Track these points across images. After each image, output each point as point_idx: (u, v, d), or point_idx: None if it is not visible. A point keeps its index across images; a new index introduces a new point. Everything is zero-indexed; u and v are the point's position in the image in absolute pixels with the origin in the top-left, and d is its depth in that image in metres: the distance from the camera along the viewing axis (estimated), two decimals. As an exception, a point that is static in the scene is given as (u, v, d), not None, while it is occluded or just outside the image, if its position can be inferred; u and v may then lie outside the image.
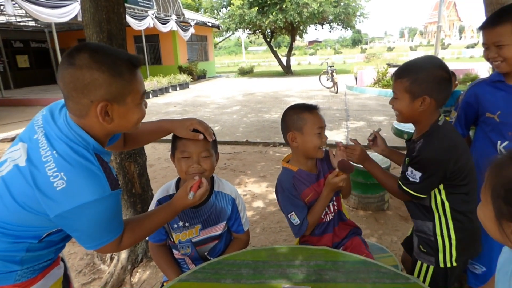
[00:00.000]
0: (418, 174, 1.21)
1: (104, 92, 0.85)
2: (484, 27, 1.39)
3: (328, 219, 1.52)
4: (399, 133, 3.13)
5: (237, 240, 1.51)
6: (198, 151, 1.24)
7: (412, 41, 53.75)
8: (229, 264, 1.22)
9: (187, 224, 1.38)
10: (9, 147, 0.95)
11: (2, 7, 10.19)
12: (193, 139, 1.22)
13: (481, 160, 1.49)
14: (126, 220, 1.02)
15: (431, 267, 1.32)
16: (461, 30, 47.59)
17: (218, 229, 1.43)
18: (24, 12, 10.10)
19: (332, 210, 1.53)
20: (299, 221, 1.40)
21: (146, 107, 0.99)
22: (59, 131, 0.87)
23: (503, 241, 0.69)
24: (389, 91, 9.92)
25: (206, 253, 1.46)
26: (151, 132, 1.29)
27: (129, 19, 12.00)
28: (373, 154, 2.56)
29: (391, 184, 1.37)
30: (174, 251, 1.47)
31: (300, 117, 1.42)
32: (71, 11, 9.33)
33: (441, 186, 1.24)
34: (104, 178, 0.87)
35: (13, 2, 8.39)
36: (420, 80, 1.18)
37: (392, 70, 10.86)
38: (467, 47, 35.11)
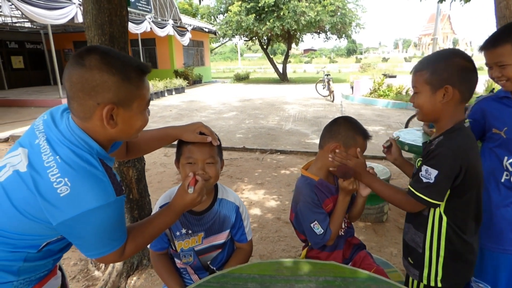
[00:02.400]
0: (433, 173, 1.12)
1: (112, 95, 0.83)
2: (484, 48, 1.37)
3: (340, 235, 1.48)
4: (399, 144, 3.10)
5: (240, 250, 1.47)
6: (203, 157, 1.21)
7: (406, 52, 54.58)
8: (235, 278, 1.17)
9: (190, 232, 1.34)
10: (7, 152, 0.91)
11: (-2, 7, 10.08)
12: (198, 145, 1.20)
13: (487, 176, 1.47)
14: (128, 226, 0.98)
15: (421, 284, 1.25)
16: (455, 42, 48.43)
17: (221, 238, 1.40)
18: (20, 13, 10.01)
19: (343, 226, 1.50)
20: (322, 230, 1.35)
21: (149, 115, 1.00)
22: (61, 136, 0.84)
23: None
24: (385, 101, 10.01)
25: (208, 262, 1.42)
26: (156, 139, 1.26)
27: (126, 22, 11.93)
28: (373, 165, 2.53)
29: (395, 194, 1.28)
30: (176, 260, 1.43)
31: (354, 137, 1.37)
32: (67, 13, 9.26)
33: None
34: (109, 183, 0.84)
35: (10, 3, 8.29)
36: (441, 69, 1.12)
37: (388, 80, 10.99)
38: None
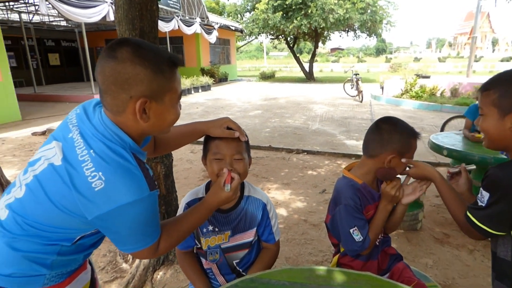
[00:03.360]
0: (486, 196, 1.00)
1: (145, 88, 0.82)
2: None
3: (375, 244, 1.39)
4: (436, 148, 2.91)
5: (267, 250, 1.41)
6: (231, 153, 1.17)
7: (440, 52, 52.38)
8: (264, 284, 1.11)
9: (216, 229, 1.31)
10: (42, 145, 0.91)
11: (37, 7, 10.59)
12: (226, 140, 1.17)
13: None
14: (162, 222, 0.98)
15: None
16: (494, 42, 45.93)
17: (248, 236, 1.35)
18: (57, 12, 10.45)
19: (380, 235, 1.42)
20: (362, 237, 1.27)
21: (180, 109, 0.96)
22: (94, 130, 0.84)
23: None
24: (418, 102, 9.61)
25: (235, 262, 1.37)
26: (184, 135, 1.23)
27: (156, 20, 12.19)
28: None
29: (457, 209, 1.14)
30: (202, 260, 1.40)
31: (409, 142, 1.27)
32: (100, 12, 9.56)
33: None
34: (143, 177, 0.83)
35: (47, 2, 8.66)
36: None
37: (421, 81, 10.54)
38: (502, 61, 33.77)
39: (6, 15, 13.07)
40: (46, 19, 14.45)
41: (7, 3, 11.05)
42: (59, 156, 0.82)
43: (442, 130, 5.34)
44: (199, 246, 1.34)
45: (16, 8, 11.79)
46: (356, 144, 5.66)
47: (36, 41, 15.41)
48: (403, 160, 1.27)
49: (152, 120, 0.87)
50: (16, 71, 14.40)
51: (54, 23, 15.61)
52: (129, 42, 0.83)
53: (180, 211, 1.34)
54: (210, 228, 1.31)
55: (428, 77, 11.76)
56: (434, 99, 9.66)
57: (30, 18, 13.90)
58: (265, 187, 3.94)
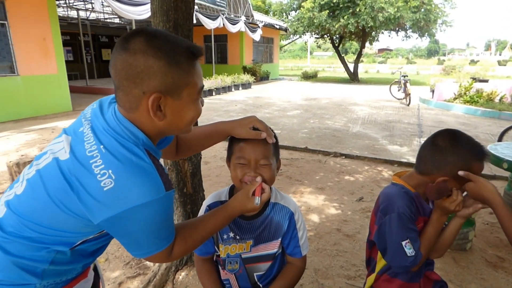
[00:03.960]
0: None
1: (158, 82, 0.74)
2: None
3: None
4: (496, 160, 2.56)
5: (292, 265, 1.26)
6: (256, 157, 1.07)
7: (500, 55, 48.22)
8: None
9: (237, 237, 1.20)
10: (53, 139, 0.86)
11: (92, 5, 11.24)
12: (251, 142, 1.07)
13: None
14: (177, 225, 0.91)
15: None
16: None
17: (271, 247, 1.23)
18: (111, 10, 11.01)
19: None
20: (414, 252, 1.12)
21: (202, 105, 0.87)
22: (106, 124, 0.78)
23: None
24: (473, 108, 8.84)
25: (255, 275, 1.25)
26: (207, 136, 1.14)
27: (202, 18, 12.45)
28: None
29: None
30: (219, 269, 1.29)
31: (469, 165, 1.09)
32: (149, 9, 9.89)
33: None
34: (158, 176, 0.76)
35: (101, 0, 9.14)
36: None
37: (478, 85, 9.68)
38: None
39: (66, 12, 14.05)
40: (101, 16, 15.35)
41: (67, 1, 11.87)
42: (66, 150, 0.76)
43: (500, 140, 4.80)
44: (218, 253, 1.25)
45: (75, 5, 12.62)
46: (399, 150, 5.30)
47: (91, 37, 16.47)
48: (460, 172, 1.07)
49: (169, 118, 0.80)
50: (72, 65, 15.51)
51: (108, 20, 16.53)
52: (144, 32, 0.75)
53: (201, 212, 1.26)
54: (231, 234, 1.21)
55: (486, 81, 10.74)
56: (491, 105, 8.81)
57: (87, 15, 14.84)
58: (298, 190, 3.78)
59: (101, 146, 0.74)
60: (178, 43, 0.77)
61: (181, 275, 2.26)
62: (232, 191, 1.26)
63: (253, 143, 1.07)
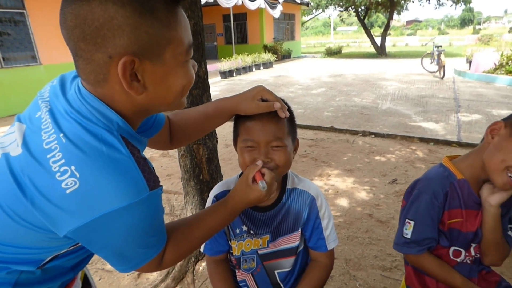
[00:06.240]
0: None
1: (128, 40, 0.55)
2: None
3: (464, 261, 1.10)
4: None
5: (316, 264, 1.07)
6: (267, 139, 0.88)
7: (543, 19, 44.31)
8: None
9: (251, 232, 1.04)
10: (8, 129, 0.68)
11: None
12: (260, 120, 0.88)
13: None
14: (168, 226, 0.75)
15: None
16: None
17: (292, 240, 1.06)
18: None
19: (472, 254, 1.09)
20: (410, 237, 1.07)
21: (195, 70, 0.69)
22: (68, 106, 0.61)
23: None
24: (516, 77, 8.08)
25: (276, 273, 1.08)
26: (206, 118, 0.93)
27: (219, -4, 12.10)
28: None
29: None
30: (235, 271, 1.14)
31: None
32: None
33: None
34: (138, 172, 0.59)
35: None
36: None
37: (522, 52, 8.83)
38: None
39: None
40: None
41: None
42: (19, 143, 0.59)
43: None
44: (231, 250, 1.08)
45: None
46: (435, 127, 4.91)
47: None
48: None
49: (151, 90, 0.61)
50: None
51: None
52: None
53: (207, 204, 1.08)
54: (244, 228, 1.04)
55: (531, 48, 9.80)
56: (539, 74, 8.02)
57: None
58: (324, 173, 3.57)
59: (61, 135, 0.57)
60: None
61: (202, 265, 2.15)
62: None
63: (262, 121, 0.88)
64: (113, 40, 0.55)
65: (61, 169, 0.55)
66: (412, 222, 1.07)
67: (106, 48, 0.55)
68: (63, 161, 0.55)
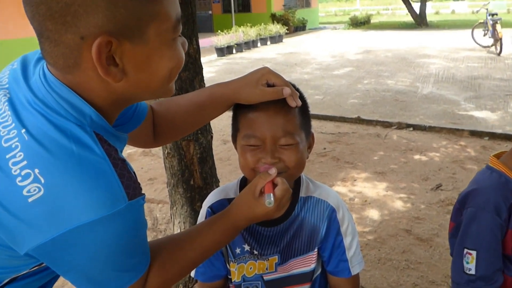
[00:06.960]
0: None
1: (103, 17, 0.59)
2: None
3: None
4: None
5: None
6: (273, 134, 0.91)
7: None
8: None
9: (255, 252, 1.06)
10: None
11: None
12: (265, 112, 0.91)
13: None
14: (154, 245, 0.79)
15: None
16: None
17: (307, 263, 1.09)
18: None
19: None
20: (474, 273, 1.08)
21: (185, 49, 0.73)
22: (31, 95, 0.65)
23: None
24: None
25: None
26: (198, 108, 0.98)
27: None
28: None
29: None
30: None
31: None
32: None
33: None
34: (115, 177, 0.63)
35: None
36: None
37: None
38: None
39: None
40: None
41: None
42: None
43: None
44: (230, 276, 1.12)
45: None
46: (490, 117, 5.04)
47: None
48: None
49: (132, 75, 0.65)
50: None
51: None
52: None
53: (200, 218, 1.14)
54: (246, 248, 1.07)
55: None
56: None
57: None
58: (348, 176, 3.69)
59: (23, 131, 0.61)
60: None
61: None
62: (243, 184, 1.13)
63: (268, 112, 0.91)
64: (85, 17, 0.58)
65: (23, 173, 0.58)
66: (474, 253, 1.08)
67: (78, 28, 0.58)
68: (25, 162, 0.58)
